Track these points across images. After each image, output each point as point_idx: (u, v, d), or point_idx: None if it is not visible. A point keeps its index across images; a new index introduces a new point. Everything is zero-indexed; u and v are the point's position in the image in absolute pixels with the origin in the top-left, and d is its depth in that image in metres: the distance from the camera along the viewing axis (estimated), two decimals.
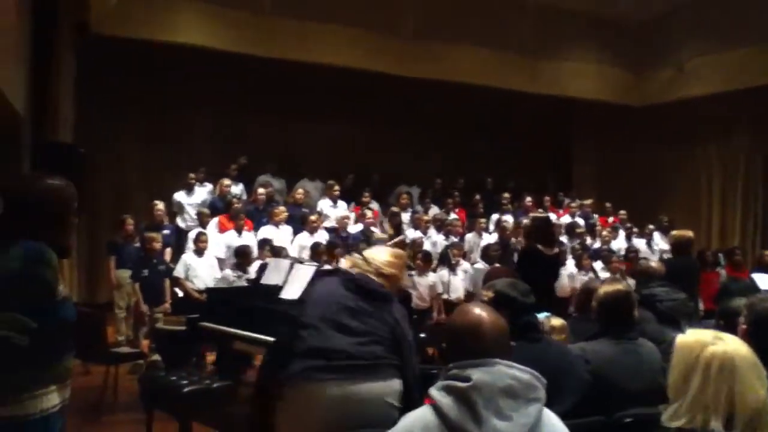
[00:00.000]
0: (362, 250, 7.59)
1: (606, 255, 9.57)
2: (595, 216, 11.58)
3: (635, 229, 10.94)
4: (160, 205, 8.29)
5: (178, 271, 7.30)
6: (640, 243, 10.66)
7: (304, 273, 5.15)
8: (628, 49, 12.70)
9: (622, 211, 11.40)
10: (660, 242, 10.85)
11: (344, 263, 2.79)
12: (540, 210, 10.98)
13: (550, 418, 1.86)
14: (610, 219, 11.57)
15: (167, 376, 4.68)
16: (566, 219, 11.03)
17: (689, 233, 6.17)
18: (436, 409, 1.80)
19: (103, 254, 9.09)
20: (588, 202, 11.74)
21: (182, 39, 9.64)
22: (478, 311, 1.96)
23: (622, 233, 10.90)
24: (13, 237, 2.11)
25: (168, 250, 7.92)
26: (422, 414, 1.83)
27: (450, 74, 11.24)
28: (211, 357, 6.59)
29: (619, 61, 12.73)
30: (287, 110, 11.15)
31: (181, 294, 7.36)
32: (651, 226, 11.06)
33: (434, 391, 1.84)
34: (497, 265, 7.89)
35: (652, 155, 13.02)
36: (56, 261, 2.14)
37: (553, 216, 11.07)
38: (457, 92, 11.70)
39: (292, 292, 5.09)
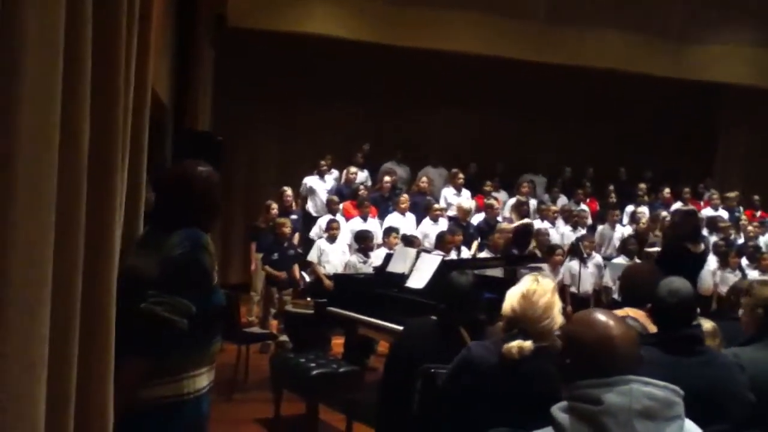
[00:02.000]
0: (495, 239, 7.50)
1: (752, 252, 8.82)
2: (740, 209, 10.72)
3: None
4: (288, 191, 8.53)
5: (312, 256, 7.51)
6: None
7: (431, 262, 5.13)
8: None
9: None
10: None
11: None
12: (680, 203, 10.37)
13: (693, 430, 1.68)
14: (758, 213, 10.66)
15: (296, 358, 4.81)
16: (708, 212, 10.27)
17: None
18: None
19: (235, 237, 9.56)
20: (732, 194, 10.87)
21: (314, 29, 9.83)
22: (607, 321, 1.74)
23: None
24: (172, 224, 2.20)
25: (296, 235, 8.15)
26: None
27: (583, 59, 10.77)
28: (337, 341, 6.73)
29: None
30: (413, 98, 11.12)
31: (309, 279, 7.57)
32: None
33: (558, 412, 1.67)
34: (637, 260, 7.50)
35: None
36: (212, 247, 2.22)
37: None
38: (589, 78, 11.19)
39: (417, 280, 5.09)
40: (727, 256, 8.50)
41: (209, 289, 2.21)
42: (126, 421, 2.00)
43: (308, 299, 6.45)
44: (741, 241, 9.48)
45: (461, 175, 9.75)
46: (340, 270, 7.13)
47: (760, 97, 11.87)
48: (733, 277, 8.21)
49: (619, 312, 3.56)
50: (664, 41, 11.20)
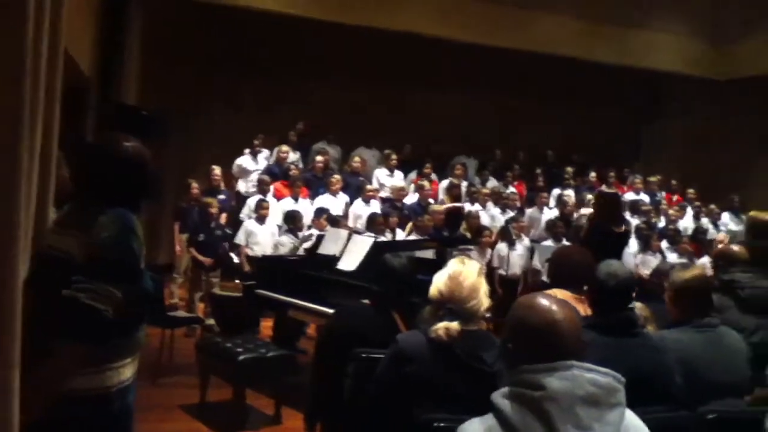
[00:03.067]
0: (425, 221, 7.51)
1: (673, 235, 9.15)
2: (662, 193, 11.11)
3: (704, 209, 10.41)
4: (217, 170, 8.30)
5: (239, 238, 7.32)
6: (707, 223, 10.18)
7: (362, 244, 5.06)
8: (712, 21, 12.00)
9: (691, 190, 10.89)
10: (729, 223, 10.34)
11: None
12: (604, 186, 10.63)
13: (632, 419, 1.66)
14: (675, 197, 11.08)
15: (223, 342, 4.68)
16: (630, 196, 10.60)
17: (765, 215, 5.76)
18: (501, 419, 1.58)
19: (164, 216, 9.21)
20: (654, 179, 11.27)
21: (258, 5, 9.49)
22: (551, 306, 1.69)
23: (689, 213, 10.43)
24: (97, 203, 2.04)
25: (224, 215, 7.94)
26: (484, 425, 1.61)
27: (520, 43, 10.84)
28: (267, 324, 6.60)
29: (702, 33, 12.03)
30: (352, 77, 10.96)
31: (237, 260, 7.38)
32: (712, 206, 10.52)
33: (499, 399, 1.62)
34: (566, 242, 7.65)
35: (732, 131, 12.35)
36: (141, 230, 2.07)
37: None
38: (523, 62, 11.28)
39: (349, 262, 5.01)
40: (649, 239, 8.78)
41: (136, 275, 2.07)
42: (50, 416, 1.88)
43: (236, 281, 6.28)
44: (662, 224, 9.83)
45: (394, 156, 9.71)
46: (269, 252, 6.98)
47: (690, 85, 12.30)
48: (654, 260, 8.49)
49: (557, 290, 3.59)
50: (603, 28, 11.39)
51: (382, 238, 7.20)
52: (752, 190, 11.40)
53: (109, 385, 2.04)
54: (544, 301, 1.72)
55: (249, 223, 7.47)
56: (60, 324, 1.93)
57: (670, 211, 9.92)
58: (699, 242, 9.13)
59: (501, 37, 10.67)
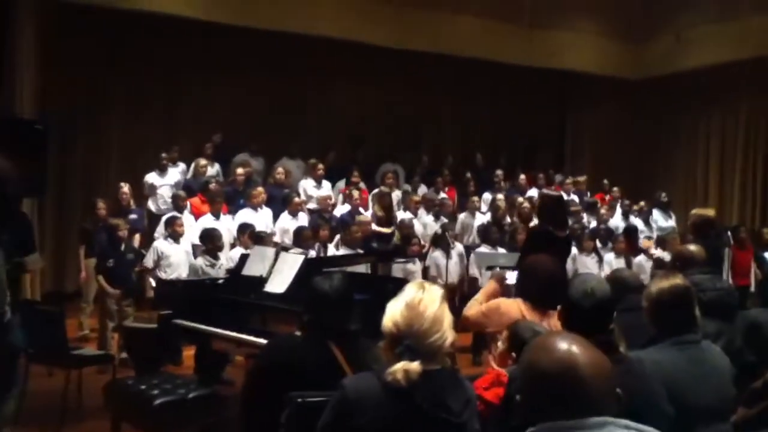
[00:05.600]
0: (352, 233, 7.09)
1: (605, 235, 9.05)
2: (588, 194, 11.08)
3: (635, 207, 10.40)
4: (125, 188, 7.63)
5: (147, 260, 6.67)
6: (637, 221, 10.17)
7: (292, 262, 4.57)
8: (626, 20, 12.14)
9: (615, 188, 10.89)
10: (659, 219, 10.38)
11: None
12: (535, 189, 10.51)
13: None
14: (607, 197, 11.06)
15: (136, 384, 4.09)
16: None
17: (710, 212, 5.65)
18: None
19: (71, 240, 8.45)
20: (582, 179, 11.24)
21: (160, 8, 8.90)
22: (567, 345, 1.34)
23: (618, 211, 10.40)
24: None
25: (137, 236, 7.27)
26: None
27: (437, 45, 10.62)
28: (189, 353, 6.02)
29: (616, 33, 12.16)
30: (270, 85, 10.44)
31: (154, 284, 6.75)
32: (642, 203, 10.55)
33: None
34: (500, 249, 7.39)
35: (648, 129, 12.56)
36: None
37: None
38: (442, 64, 11.07)
39: (278, 284, 4.51)
40: (582, 239, 8.64)
41: None
42: None
43: (152, 311, 5.65)
44: (593, 225, 9.73)
45: (321, 166, 9.21)
46: (184, 275, 6.38)
47: (604, 84, 12.39)
48: (590, 261, 8.37)
49: (510, 302, 3.24)
50: (516, 28, 11.32)
51: (312, 253, 6.73)
52: (670, 188, 11.56)
53: None
54: (561, 342, 1.34)
55: (160, 243, 6.85)
56: None
57: (602, 211, 9.84)
58: (632, 241, 9.05)
59: (414, 41, 10.48)
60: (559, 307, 2.53)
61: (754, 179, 11.44)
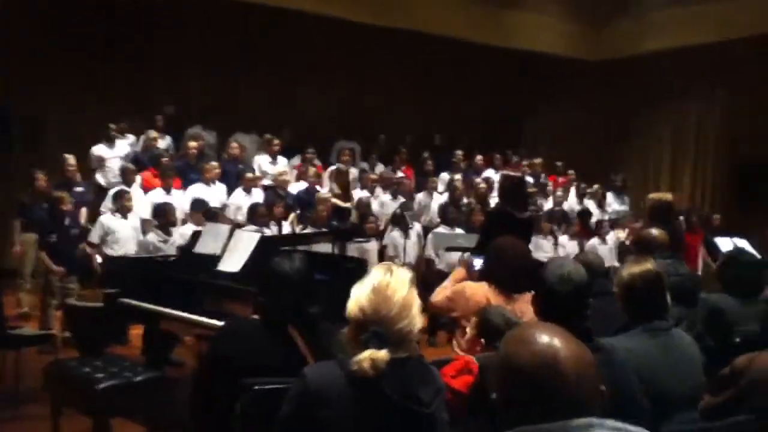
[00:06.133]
0: (318, 212, 6.90)
1: (561, 217, 9.09)
2: (543, 176, 11.11)
3: (589, 190, 10.47)
4: (71, 159, 7.25)
5: (93, 235, 6.37)
6: (590, 204, 10.25)
7: (247, 241, 4.39)
8: (589, 2, 12.14)
9: (571, 171, 10.94)
10: (613, 203, 10.49)
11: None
12: (492, 170, 10.49)
13: None
14: (560, 179, 11.11)
15: (80, 366, 3.86)
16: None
17: (668, 196, 5.66)
18: None
19: (10, 214, 8.03)
20: (537, 161, 11.25)
21: None
22: (548, 338, 1.22)
23: (572, 194, 10.46)
24: None
25: (83, 210, 6.95)
26: None
27: (393, 21, 10.44)
28: (137, 332, 5.78)
29: (578, 14, 12.15)
30: (224, 58, 10.06)
31: (100, 261, 6.44)
32: (596, 186, 10.63)
33: None
34: (458, 229, 7.31)
35: (608, 112, 12.64)
36: None
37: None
38: (401, 42, 10.88)
39: (232, 263, 4.33)
40: (538, 222, 8.64)
41: None
42: None
43: (97, 289, 5.38)
44: (548, 206, 9.76)
45: (276, 141, 8.96)
46: (133, 251, 6.12)
47: (565, 66, 12.38)
48: (546, 243, 8.39)
49: (476, 286, 3.15)
50: (475, 7, 11.20)
51: (266, 231, 6.54)
52: (626, 172, 11.70)
53: None
54: (540, 334, 1.22)
55: (106, 218, 6.54)
56: None
57: (558, 193, 9.87)
58: (586, 224, 9.12)
59: (373, 16, 10.26)
60: (529, 292, 2.43)
61: (704, 165, 11.67)
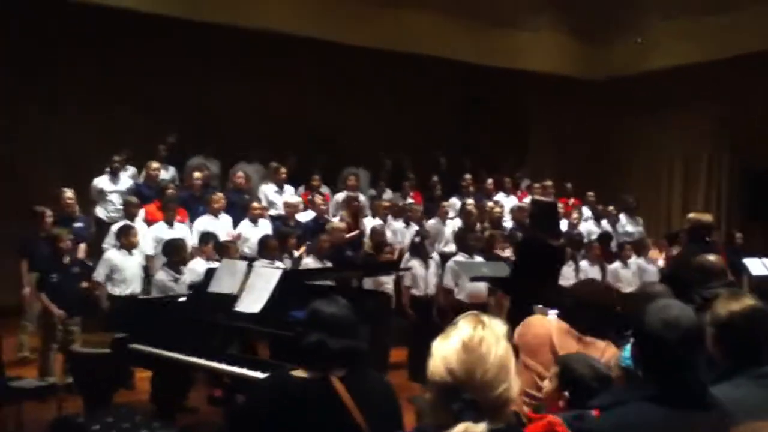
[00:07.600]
0: (322, 241, 6.57)
1: (578, 241, 8.69)
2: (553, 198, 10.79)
3: (604, 211, 10.15)
4: (68, 193, 6.85)
5: (99, 274, 5.99)
6: (606, 226, 9.92)
7: (268, 277, 4.04)
8: (588, 21, 11.95)
9: (590, 192, 10.60)
10: (627, 225, 10.17)
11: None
12: (502, 193, 10.20)
13: None
14: (571, 201, 10.81)
15: (89, 422, 3.51)
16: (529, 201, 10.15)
17: (708, 216, 5.36)
18: None
19: (2, 247, 7.66)
20: (549, 183, 10.93)
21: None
22: None
23: (585, 215, 10.12)
24: None
25: (82, 246, 6.58)
26: None
27: (391, 43, 10.17)
28: (143, 375, 5.41)
29: (577, 33, 11.97)
30: (222, 82, 9.80)
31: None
32: (610, 207, 10.32)
33: None
34: (477, 258, 6.95)
35: (612, 131, 12.40)
36: None
37: (512, 199, 10.29)
38: (400, 63, 10.62)
39: (251, 303, 3.98)
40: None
41: None
42: None
43: (103, 333, 5.00)
44: (564, 230, 9.39)
45: (283, 170, 8.63)
46: (139, 289, 5.76)
47: (566, 86, 12.17)
48: (567, 269, 8.02)
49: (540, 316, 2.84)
50: (474, 27, 10.99)
51: (279, 264, 6.18)
52: (631, 192, 11.42)
53: None
54: None
55: (112, 254, 6.15)
56: None
57: (574, 215, 9.53)
58: (606, 247, 8.78)
59: (368, 38, 9.98)
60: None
61: (719, 181, 11.44)
